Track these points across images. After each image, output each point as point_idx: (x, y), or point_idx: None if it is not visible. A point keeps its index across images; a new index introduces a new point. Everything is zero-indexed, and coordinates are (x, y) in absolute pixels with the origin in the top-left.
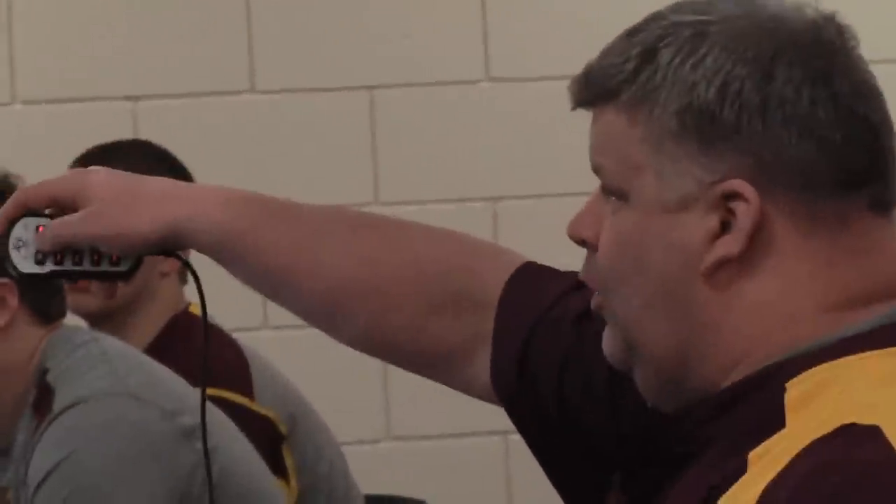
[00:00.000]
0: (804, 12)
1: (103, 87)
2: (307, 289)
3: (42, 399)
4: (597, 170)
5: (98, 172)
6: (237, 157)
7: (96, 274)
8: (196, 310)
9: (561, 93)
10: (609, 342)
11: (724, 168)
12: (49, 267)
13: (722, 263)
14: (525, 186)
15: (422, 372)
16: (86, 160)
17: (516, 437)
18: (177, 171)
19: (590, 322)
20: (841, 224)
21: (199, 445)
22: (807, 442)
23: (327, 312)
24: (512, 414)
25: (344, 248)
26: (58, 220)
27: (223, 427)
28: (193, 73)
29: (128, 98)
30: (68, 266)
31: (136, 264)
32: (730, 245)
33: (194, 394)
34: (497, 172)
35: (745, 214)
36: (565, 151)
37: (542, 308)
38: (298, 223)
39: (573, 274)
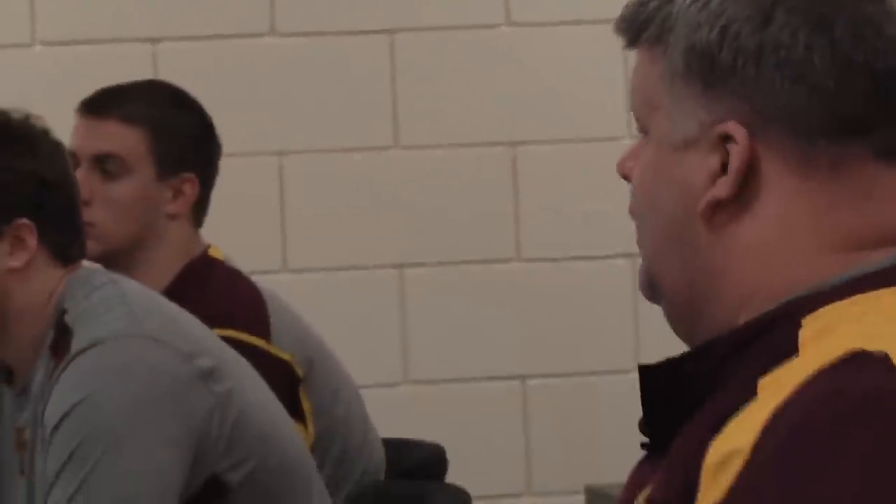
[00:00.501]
0: None
1: (123, 29)
2: None
3: (60, 340)
4: (632, 109)
5: None
6: (257, 100)
7: None
8: (217, 252)
9: (579, 38)
10: (640, 275)
11: (722, 110)
12: None
13: (716, 205)
14: (544, 131)
15: None
16: (103, 99)
17: (534, 382)
18: (193, 110)
19: None
20: (838, 169)
21: (217, 388)
22: (815, 368)
23: None
24: None
25: None
26: None
27: (240, 369)
28: (213, 15)
29: (148, 40)
30: None
31: None
32: (720, 187)
33: (212, 336)
34: (516, 117)
35: (735, 156)
36: (584, 97)
37: None
38: None
39: None
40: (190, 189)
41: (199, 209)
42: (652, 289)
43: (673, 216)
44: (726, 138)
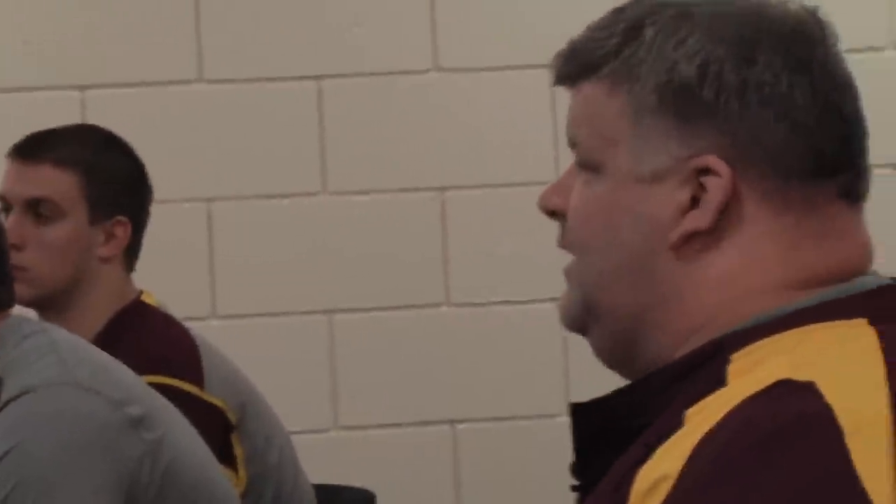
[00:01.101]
0: (787, 4)
1: (51, 76)
2: None
3: None
4: (572, 143)
5: None
6: (186, 146)
7: None
8: (150, 298)
9: (509, 83)
10: (566, 306)
11: (699, 144)
12: None
13: (691, 236)
14: (473, 176)
15: None
16: (35, 143)
17: (463, 427)
18: (126, 154)
19: None
20: (809, 208)
21: (148, 435)
22: (742, 398)
23: None
24: None
25: None
26: None
27: (170, 417)
28: (142, 62)
29: (76, 87)
30: None
31: None
32: (699, 218)
33: (142, 384)
34: (445, 162)
35: (716, 189)
36: (513, 142)
37: None
38: None
39: None
40: (122, 232)
41: (130, 253)
42: (587, 317)
43: (631, 247)
44: (702, 171)
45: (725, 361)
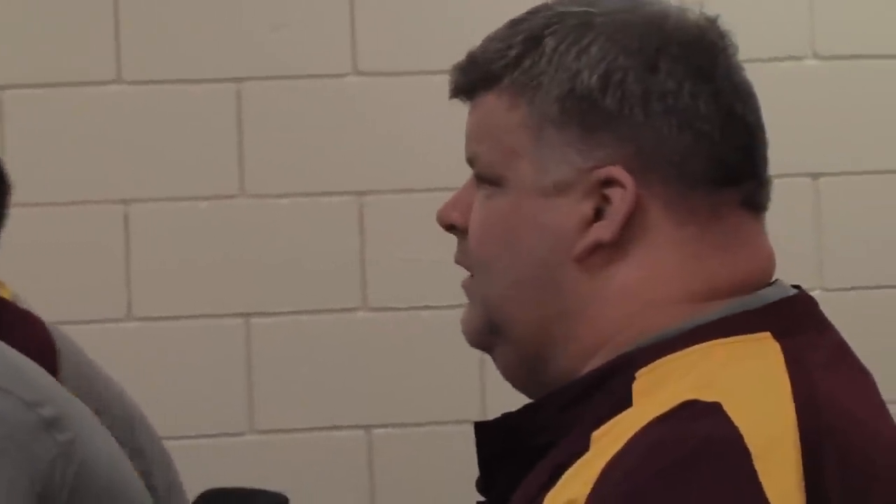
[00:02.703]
0: (688, 13)
1: None
2: None
3: None
4: (471, 159)
5: None
6: (103, 148)
7: None
8: (5, 292)
9: (428, 87)
10: (470, 322)
11: (602, 155)
12: None
13: (595, 248)
14: (391, 181)
15: None
16: None
17: (379, 432)
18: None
19: None
20: (713, 217)
21: (60, 437)
22: (649, 419)
23: None
24: None
25: None
26: None
27: (83, 418)
28: (59, 62)
29: None
30: None
31: None
32: (604, 230)
33: (56, 385)
34: (363, 167)
35: (620, 201)
36: (432, 147)
37: None
38: None
39: None
40: None
41: None
42: (491, 334)
43: (534, 260)
44: (606, 183)
45: (630, 379)
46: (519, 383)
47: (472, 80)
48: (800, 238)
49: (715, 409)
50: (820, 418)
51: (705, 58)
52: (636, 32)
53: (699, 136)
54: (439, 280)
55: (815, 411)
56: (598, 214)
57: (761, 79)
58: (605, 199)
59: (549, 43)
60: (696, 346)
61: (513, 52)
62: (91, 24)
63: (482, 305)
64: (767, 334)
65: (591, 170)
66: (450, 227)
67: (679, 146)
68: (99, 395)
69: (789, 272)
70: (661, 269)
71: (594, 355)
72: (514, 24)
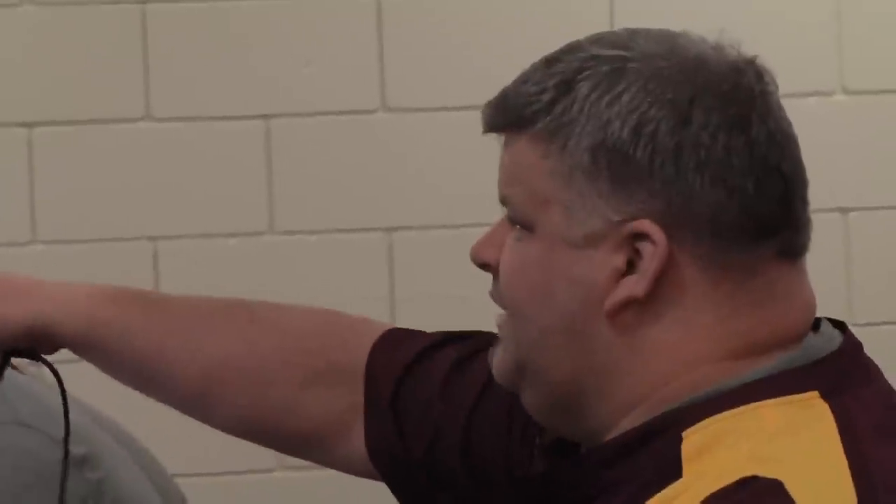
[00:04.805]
0: (725, 54)
1: None
2: (181, 375)
3: None
4: (504, 200)
5: None
6: (131, 184)
7: None
8: None
9: (457, 124)
10: (499, 361)
11: (633, 208)
12: None
13: (626, 304)
14: (421, 217)
15: (302, 452)
16: None
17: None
18: None
19: (469, 368)
20: (748, 273)
21: (91, 475)
22: (705, 494)
23: (202, 396)
24: (393, 479)
25: (217, 332)
26: None
27: (113, 456)
28: (88, 99)
29: (22, 124)
30: None
31: (3, 364)
32: (635, 286)
33: (87, 423)
34: (393, 203)
35: (651, 256)
36: (461, 182)
37: (404, 366)
38: (168, 310)
39: (439, 333)
40: None
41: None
42: (518, 377)
43: (565, 311)
44: (637, 237)
45: (677, 440)
46: (548, 425)
47: (506, 120)
48: (830, 273)
49: (777, 489)
50: (878, 500)
51: (740, 107)
52: (670, 81)
53: (732, 191)
54: (468, 316)
55: (874, 493)
56: (629, 268)
57: (790, 114)
58: (637, 253)
59: (582, 89)
60: (744, 407)
61: (545, 97)
62: (120, 61)
63: (513, 346)
64: (816, 394)
65: (622, 223)
66: (483, 265)
67: (711, 201)
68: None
69: (820, 307)
70: (697, 327)
71: (630, 412)
72: (549, 64)
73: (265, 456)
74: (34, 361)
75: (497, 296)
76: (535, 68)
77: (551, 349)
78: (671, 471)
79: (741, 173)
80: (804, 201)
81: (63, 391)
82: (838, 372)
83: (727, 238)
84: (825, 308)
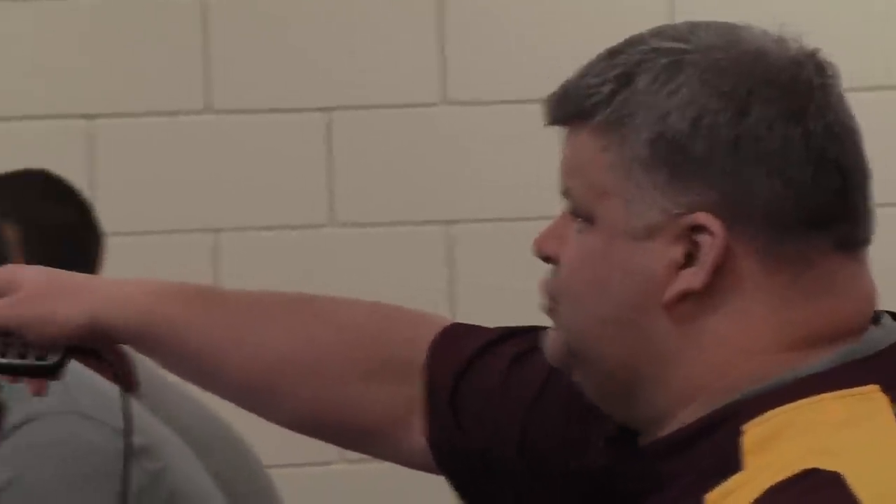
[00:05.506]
0: (786, 47)
1: (59, 103)
2: (241, 370)
3: None
4: (565, 192)
5: (27, 266)
6: (193, 177)
7: (21, 368)
8: None
9: (517, 116)
10: (552, 343)
11: (690, 200)
12: None
13: (684, 295)
14: (480, 210)
15: (362, 446)
16: None
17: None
18: (72, 203)
19: (529, 363)
20: (805, 263)
21: (150, 465)
22: (766, 486)
23: (263, 391)
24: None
25: (278, 327)
26: None
27: (173, 447)
28: (150, 92)
29: (83, 116)
30: None
31: (63, 360)
32: (693, 278)
33: (146, 414)
34: (452, 196)
35: (709, 248)
36: (521, 175)
37: (465, 361)
38: (227, 306)
39: (500, 328)
40: None
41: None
42: (571, 359)
43: (622, 302)
44: (695, 229)
45: (737, 433)
46: (602, 407)
47: (566, 113)
48: (893, 267)
49: (837, 481)
50: None
51: (799, 100)
52: (729, 73)
53: (789, 183)
54: (527, 310)
55: None
56: (687, 260)
57: (854, 108)
58: (695, 245)
59: (641, 81)
60: (805, 400)
61: (606, 89)
62: (181, 53)
63: (566, 333)
64: (876, 387)
65: (681, 215)
66: (546, 258)
67: (768, 193)
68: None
69: (883, 301)
70: (754, 318)
71: (688, 402)
72: (610, 57)
73: (325, 449)
74: (94, 358)
75: (549, 286)
76: (596, 61)
77: (607, 339)
78: (732, 463)
79: (798, 165)
80: (864, 194)
81: (123, 385)
82: None
83: (783, 229)
84: (889, 302)
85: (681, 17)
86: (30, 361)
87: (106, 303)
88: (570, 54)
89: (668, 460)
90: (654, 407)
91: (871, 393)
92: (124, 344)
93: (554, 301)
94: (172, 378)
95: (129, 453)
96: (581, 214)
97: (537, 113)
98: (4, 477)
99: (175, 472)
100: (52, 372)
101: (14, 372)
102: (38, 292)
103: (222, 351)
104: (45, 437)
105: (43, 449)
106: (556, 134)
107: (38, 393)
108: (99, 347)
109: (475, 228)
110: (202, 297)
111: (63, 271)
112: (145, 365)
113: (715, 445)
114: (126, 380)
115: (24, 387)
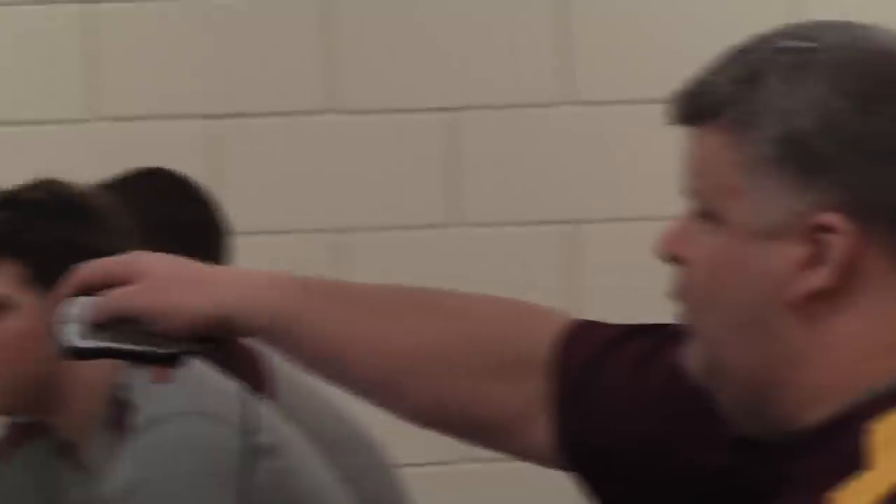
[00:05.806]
0: None
1: (180, 106)
2: (366, 364)
3: (120, 416)
4: (690, 192)
5: (154, 254)
6: (316, 176)
7: (142, 355)
8: None
9: (642, 116)
10: (693, 358)
11: (818, 200)
12: (96, 343)
13: (812, 295)
14: (605, 210)
15: (485, 441)
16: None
17: None
18: (198, 201)
19: (655, 361)
20: None
21: (275, 464)
22: (892, 482)
23: (389, 385)
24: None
25: (404, 321)
26: (116, 291)
27: (297, 445)
28: (273, 92)
29: (206, 117)
30: (116, 344)
31: (187, 350)
32: (821, 277)
33: (271, 413)
34: (577, 196)
35: (838, 247)
36: (646, 175)
37: (590, 358)
38: (352, 299)
39: (624, 325)
40: None
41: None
42: (711, 374)
43: (750, 303)
44: (822, 228)
45: (865, 431)
46: (740, 423)
47: (693, 112)
48: None
49: None
50: None
51: None
52: (856, 72)
53: None
54: (654, 309)
55: None
56: (814, 260)
57: None
58: (821, 245)
59: (768, 80)
60: None
61: (732, 88)
62: (304, 53)
63: (703, 345)
64: None
65: (807, 214)
66: (672, 259)
67: (894, 191)
68: (315, 419)
69: None
70: (881, 318)
71: (818, 403)
72: (736, 56)
73: (449, 447)
74: (221, 350)
75: (682, 290)
76: (722, 60)
77: (737, 345)
78: (861, 462)
79: None
80: None
81: (250, 383)
82: None
83: None
84: None
85: (806, 16)
86: (154, 349)
87: (234, 295)
88: (696, 54)
89: (795, 460)
90: (783, 408)
91: None
92: (250, 336)
93: (689, 309)
94: (307, 378)
95: (254, 452)
96: (706, 214)
97: (662, 112)
98: (134, 476)
99: (299, 471)
100: (172, 361)
101: (137, 359)
102: (166, 282)
103: (349, 345)
104: (171, 437)
105: (169, 450)
106: (682, 133)
107: (162, 381)
108: (225, 339)
109: (599, 229)
110: (329, 290)
111: (190, 261)
112: (283, 364)
113: (842, 444)
114: (253, 378)
115: (152, 387)
